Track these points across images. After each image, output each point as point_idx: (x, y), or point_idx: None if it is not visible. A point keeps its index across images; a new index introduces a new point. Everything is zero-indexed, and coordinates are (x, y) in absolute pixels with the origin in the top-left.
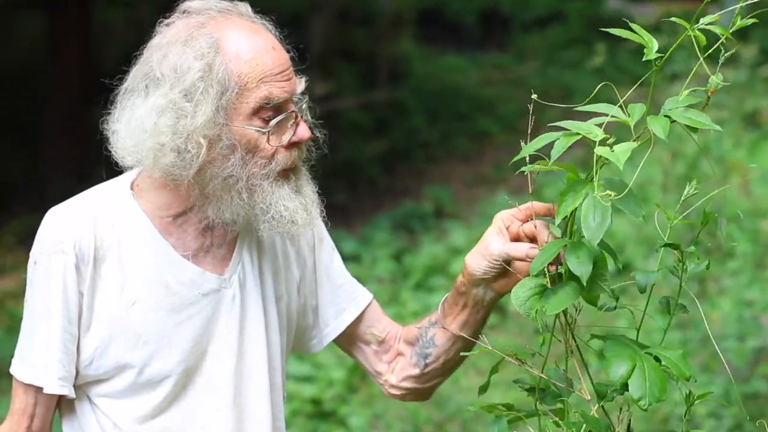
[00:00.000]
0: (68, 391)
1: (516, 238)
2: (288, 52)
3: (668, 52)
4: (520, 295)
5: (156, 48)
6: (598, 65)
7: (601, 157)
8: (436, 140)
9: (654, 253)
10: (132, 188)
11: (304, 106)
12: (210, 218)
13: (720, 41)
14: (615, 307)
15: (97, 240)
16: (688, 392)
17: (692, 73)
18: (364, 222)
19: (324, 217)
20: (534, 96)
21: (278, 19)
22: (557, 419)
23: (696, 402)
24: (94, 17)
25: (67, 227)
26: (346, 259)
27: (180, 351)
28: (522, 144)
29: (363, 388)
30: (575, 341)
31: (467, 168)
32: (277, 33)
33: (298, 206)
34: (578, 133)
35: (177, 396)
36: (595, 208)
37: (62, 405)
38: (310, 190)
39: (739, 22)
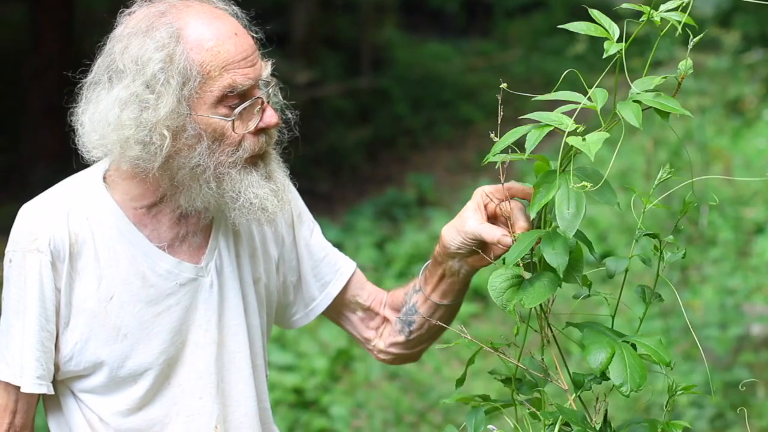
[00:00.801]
0: (46, 389)
1: (493, 216)
2: (255, 35)
3: (627, 42)
4: (496, 286)
5: (118, 39)
6: (580, 52)
7: (572, 147)
8: (419, 128)
9: (632, 240)
10: (104, 179)
11: (271, 90)
12: (183, 207)
13: (705, 31)
14: (588, 295)
15: (71, 236)
16: (671, 382)
17: (650, 59)
18: (347, 210)
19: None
20: (504, 85)
21: (261, 6)
22: (534, 410)
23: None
24: (76, 7)
25: (40, 224)
26: None
27: (160, 342)
28: (493, 136)
29: (345, 377)
30: (551, 331)
31: (450, 155)
32: (243, 15)
33: (268, 193)
34: (549, 125)
35: (160, 387)
36: (569, 198)
37: (47, 402)
38: (280, 175)
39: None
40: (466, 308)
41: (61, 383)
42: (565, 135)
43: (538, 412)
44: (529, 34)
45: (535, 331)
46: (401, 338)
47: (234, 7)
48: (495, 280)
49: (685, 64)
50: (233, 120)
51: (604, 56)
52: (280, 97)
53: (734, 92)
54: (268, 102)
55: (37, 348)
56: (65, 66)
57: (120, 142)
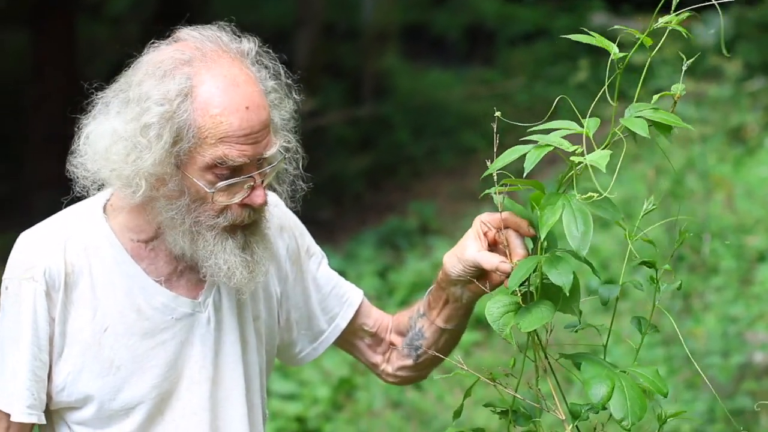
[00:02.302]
0: (36, 419)
1: (493, 243)
2: (290, 99)
3: (626, 58)
4: (493, 312)
5: (139, 69)
6: (582, 80)
7: (575, 165)
8: (421, 155)
9: (637, 269)
10: (105, 209)
11: (270, 170)
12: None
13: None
14: (580, 327)
15: (67, 266)
16: (660, 411)
17: (643, 73)
18: (349, 238)
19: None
20: (497, 114)
21: (263, 34)
22: None
23: (680, 420)
24: (78, 33)
25: (37, 253)
26: None
27: (153, 376)
28: (488, 162)
29: (348, 405)
30: (548, 360)
31: (452, 183)
32: (282, 75)
33: (239, 263)
34: (549, 145)
35: (153, 421)
36: (576, 217)
37: (42, 430)
38: (260, 247)
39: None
40: (468, 336)
41: (56, 413)
42: (571, 154)
43: None
44: (531, 62)
45: (532, 361)
46: (409, 362)
47: (278, 65)
48: (492, 306)
49: (679, 86)
50: (213, 192)
51: (613, 58)
52: (297, 167)
53: (736, 120)
54: (263, 181)
55: (28, 377)
56: (67, 93)
57: (106, 171)
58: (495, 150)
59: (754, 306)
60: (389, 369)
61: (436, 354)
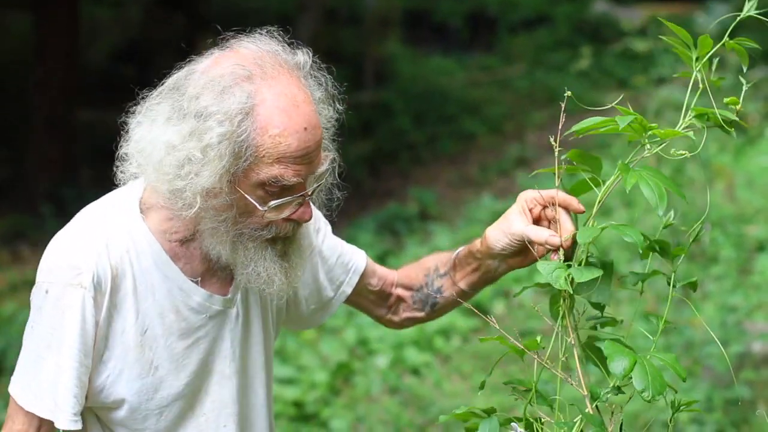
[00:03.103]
0: (79, 426)
1: (537, 221)
2: (333, 109)
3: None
4: (545, 268)
5: (196, 77)
6: (584, 68)
7: (646, 141)
8: (422, 142)
9: (633, 258)
10: (140, 207)
11: (317, 186)
12: None
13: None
14: (598, 322)
15: (113, 269)
16: (673, 398)
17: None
18: (348, 224)
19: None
20: (568, 93)
21: (266, 19)
22: (548, 419)
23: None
24: (80, 16)
25: (82, 257)
26: None
27: (188, 374)
28: (550, 138)
29: (345, 390)
30: (577, 334)
31: (453, 170)
32: (329, 86)
33: (278, 270)
34: (631, 113)
35: (185, 417)
36: (648, 185)
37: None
38: (296, 255)
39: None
40: (467, 323)
41: (87, 410)
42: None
43: (552, 421)
44: (532, 49)
45: (560, 331)
46: (420, 315)
47: (326, 76)
48: (542, 265)
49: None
50: (266, 210)
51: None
52: (334, 177)
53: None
54: (311, 198)
55: (75, 384)
56: (70, 76)
57: (155, 180)
58: (560, 125)
59: (753, 295)
60: (395, 318)
61: (450, 306)
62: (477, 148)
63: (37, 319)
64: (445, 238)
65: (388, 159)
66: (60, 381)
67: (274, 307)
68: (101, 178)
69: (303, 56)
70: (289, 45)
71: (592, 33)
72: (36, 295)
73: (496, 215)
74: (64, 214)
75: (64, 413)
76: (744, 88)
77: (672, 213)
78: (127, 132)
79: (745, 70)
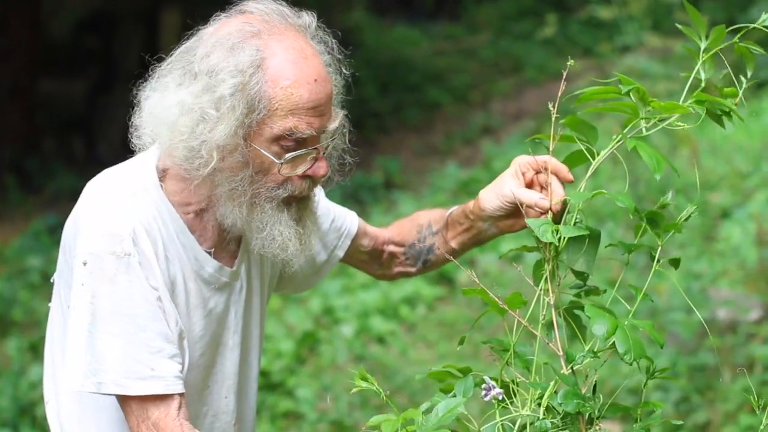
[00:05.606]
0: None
1: (529, 185)
2: (340, 75)
3: None
4: (534, 223)
5: (203, 41)
6: (549, 36)
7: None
8: (387, 111)
9: (602, 224)
10: (159, 177)
11: (331, 143)
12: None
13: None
14: (581, 290)
15: (148, 233)
16: (648, 365)
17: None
18: None
19: None
20: (571, 62)
21: None
22: (524, 379)
23: (644, 375)
24: None
25: (121, 224)
26: None
27: (202, 345)
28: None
29: (311, 359)
30: (559, 296)
31: (418, 139)
32: (335, 50)
33: (293, 234)
34: (633, 83)
35: (196, 387)
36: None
37: (85, 399)
38: (310, 221)
39: None
40: (432, 291)
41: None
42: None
43: (527, 381)
44: (497, 18)
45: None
46: (412, 270)
47: (331, 40)
48: (532, 221)
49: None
50: (282, 163)
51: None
52: (345, 141)
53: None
54: (324, 153)
55: (172, 346)
56: (33, 47)
57: (170, 142)
58: (559, 94)
59: (717, 263)
60: (387, 273)
61: (441, 262)
62: (442, 117)
63: (91, 299)
64: (410, 207)
65: (354, 128)
66: (163, 348)
67: (269, 278)
68: (64, 149)
69: (308, 17)
70: (294, 8)
71: (556, 1)
72: (82, 274)
73: (461, 184)
74: (28, 185)
75: (171, 377)
76: (743, 86)
77: (671, 193)
78: (138, 105)
79: (749, 75)
